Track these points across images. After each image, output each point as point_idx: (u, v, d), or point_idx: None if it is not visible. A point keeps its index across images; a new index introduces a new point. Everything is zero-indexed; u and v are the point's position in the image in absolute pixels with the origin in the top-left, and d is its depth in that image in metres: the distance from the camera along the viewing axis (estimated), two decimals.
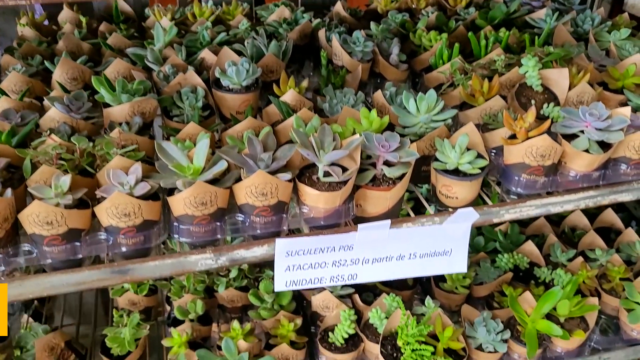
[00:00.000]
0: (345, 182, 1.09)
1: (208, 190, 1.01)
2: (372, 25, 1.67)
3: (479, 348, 1.48)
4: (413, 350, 1.37)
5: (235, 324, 1.42)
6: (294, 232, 1.15)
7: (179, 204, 1.02)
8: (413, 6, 1.87)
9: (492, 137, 1.28)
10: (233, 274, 1.61)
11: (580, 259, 1.70)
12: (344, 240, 1.14)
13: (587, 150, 1.20)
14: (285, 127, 1.22)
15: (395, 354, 1.41)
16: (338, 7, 1.79)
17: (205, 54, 1.45)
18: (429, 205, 1.27)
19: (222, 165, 1.03)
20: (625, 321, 1.60)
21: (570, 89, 1.35)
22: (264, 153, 1.08)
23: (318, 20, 1.71)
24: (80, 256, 1.03)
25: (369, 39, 1.56)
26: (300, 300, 1.65)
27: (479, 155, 1.21)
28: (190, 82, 1.34)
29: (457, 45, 1.48)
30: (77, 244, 1.01)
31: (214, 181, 1.06)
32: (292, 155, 1.14)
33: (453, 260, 1.23)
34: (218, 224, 1.07)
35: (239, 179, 1.06)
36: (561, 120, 1.24)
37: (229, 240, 1.22)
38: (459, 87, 1.38)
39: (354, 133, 1.17)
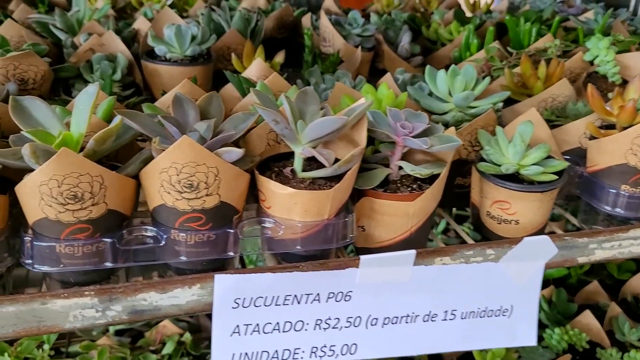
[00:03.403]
0: (339, 177, 0.63)
1: (84, 167, 0.54)
2: (373, 16, 1.28)
3: None
4: None
5: None
6: (246, 266, 0.67)
7: (32, 195, 0.55)
8: (422, 10, 1.48)
9: (562, 135, 0.84)
10: (168, 348, 1.10)
11: None
12: (337, 282, 0.66)
13: None
14: (244, 109, 0.78)
15: None
16: (328, 3, 1.39)
17: (141, 24, 1.02)
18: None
19: (114, 123, 0.57)
20: None
21: None
22: (200, 122, 0.62)
23: (302, 9, 1.32)
24: None
25: (370, 23, 1.16)
26: None
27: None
28: (108, 50, 0.90)
29: (491, 29, 1.08)
30: None
31: (112, 167, 0.59)
32: (252, 138, 0.69)
33: (515, 325, 0.74)
34: (109, 241, 0.59)
35: (150, 159, 0.59)
36: None
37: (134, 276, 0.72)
38: (504, 75, 0.96)
39: None
